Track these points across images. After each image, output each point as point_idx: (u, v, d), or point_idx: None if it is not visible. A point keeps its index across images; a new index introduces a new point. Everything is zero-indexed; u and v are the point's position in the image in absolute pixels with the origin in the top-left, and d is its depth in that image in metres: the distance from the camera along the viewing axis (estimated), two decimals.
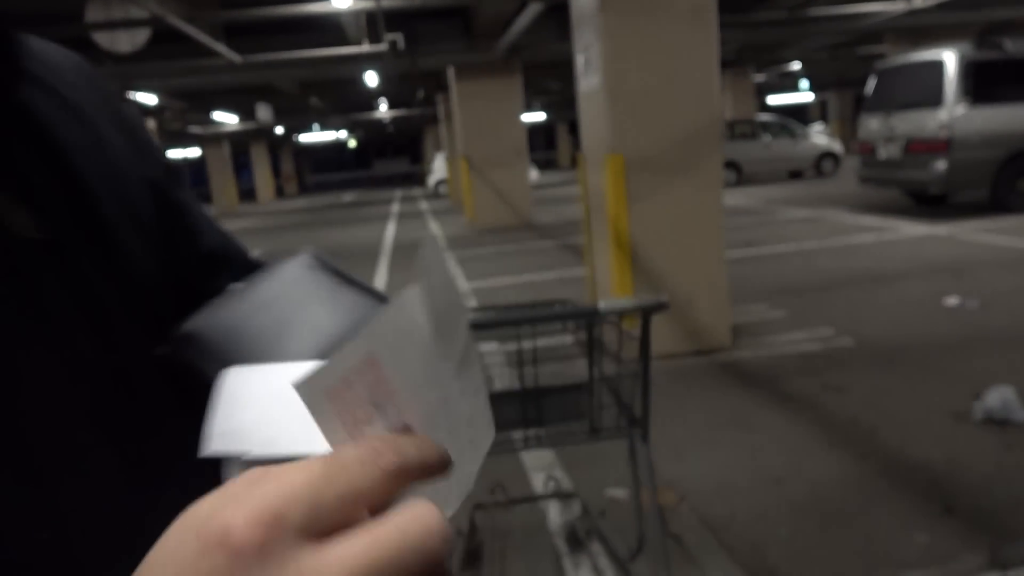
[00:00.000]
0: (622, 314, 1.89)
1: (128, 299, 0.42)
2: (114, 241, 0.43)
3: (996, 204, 8.97)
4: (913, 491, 2.75)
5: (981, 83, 8.68)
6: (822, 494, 2.78)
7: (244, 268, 0.51)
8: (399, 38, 9.85)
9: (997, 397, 3.29)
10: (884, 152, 9.69)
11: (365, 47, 10.35)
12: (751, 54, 18.23)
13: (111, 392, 0.39)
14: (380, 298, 0.45)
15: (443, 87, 15.17)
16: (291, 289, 0.44)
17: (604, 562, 2.40)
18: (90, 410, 0.37)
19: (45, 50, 0.45)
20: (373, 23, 9.41)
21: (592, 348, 1.97)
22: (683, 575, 2.31)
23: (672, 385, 4.01)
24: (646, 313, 1.82)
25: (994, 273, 6.02)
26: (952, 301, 5.20)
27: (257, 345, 0.40)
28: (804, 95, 34.77)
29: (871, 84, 10.26)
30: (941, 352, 4.25)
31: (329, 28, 11.05)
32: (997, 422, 3.21)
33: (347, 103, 23.81)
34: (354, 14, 9.52)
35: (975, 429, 3.21)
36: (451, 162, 18.37)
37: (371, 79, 14.44)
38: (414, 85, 17.71)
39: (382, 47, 9.93)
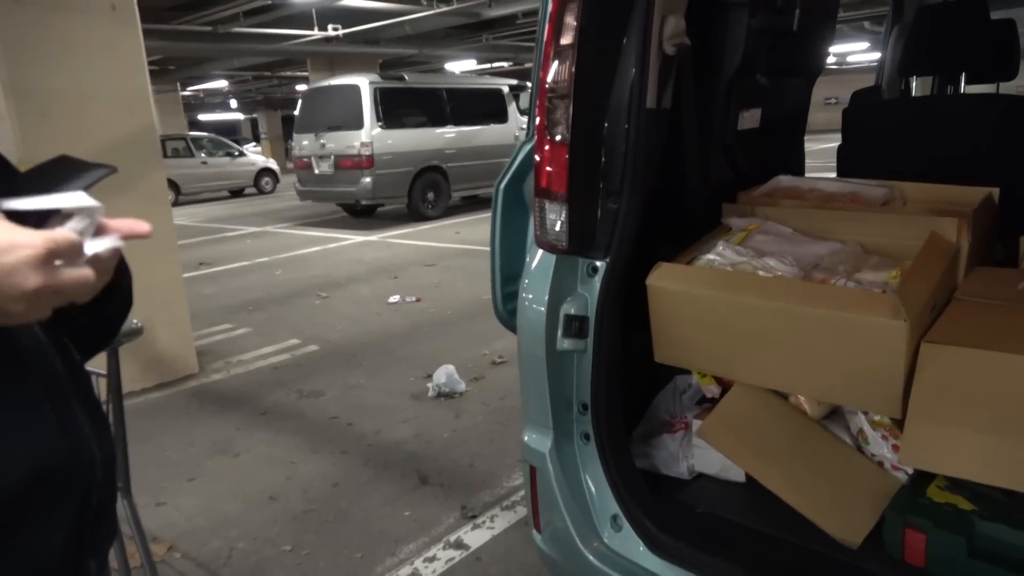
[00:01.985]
0: None
1: None
2: None
3: (413, 213, 10.54)
4: (393, 472, 3.00)
5: (390, 108, 10.08)
6: (316, 497, 2.83)
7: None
8: None
9: (443, 374, 3.84)
10: (318, 169, 10.44)
11: None
12: (177, 68, 17.53)
13: None
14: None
15: None
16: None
17: None
18: None
19: None
20: None
21: None
22: None
23: (141, 425, 3.56)
24: (115, 344, 1.54)
25: (420, 271, 7.05)
26: (394, 299, 5.89)
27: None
28: (234, 114, 35.13)
29: (300, 105, 10.92)
30: (394, 344, 4.76)
31: None
32: (446, 395, 3.76)
33: None
34: None
35: (431, 404, 3.69)
36: None
37: None
38: None
39: None
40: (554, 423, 1.60)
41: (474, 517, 2.60)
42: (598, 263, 1.57)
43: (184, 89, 22.80)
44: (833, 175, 2.04)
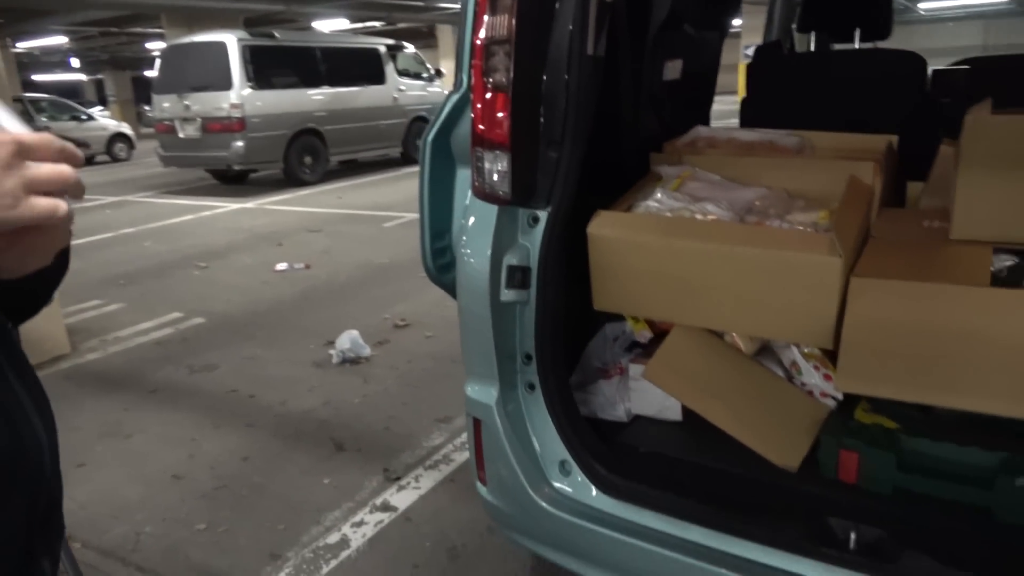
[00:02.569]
0: None
1: None
2: None
3: (290, 178, 10.10)
4: (306, 441, 2.91)
5: (260, 68, 9.53)
6: (225, 472, 2.69)
7: None
8: None
9: (347, 339, 3.74)
10: (183, 132, 9.75)
11: None
12: (7, 21, 15.74)
13: None
14: None
15: None
16: None
17: None
18: None
19: None
20: None
21: None
22: None
23: None
24: None
25: (305, 237, 6.79)
26: (282, 266, 5.65)
27: None
28: (76, 74, 32.11)
29: (160, 64, 10.13)
30: (288, 313, 4.58)
31: None
32: (351, 361, 3.67)
33: None
34: None
35: (336, 371, 3.59)
36: None
37: None
38: None
39: None
40: (499, 374, 1.60)
41: (398, 479, 2.57)
42: (539, 213, 1.57)
43: (14, 45, 20.56)
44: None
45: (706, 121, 2.26)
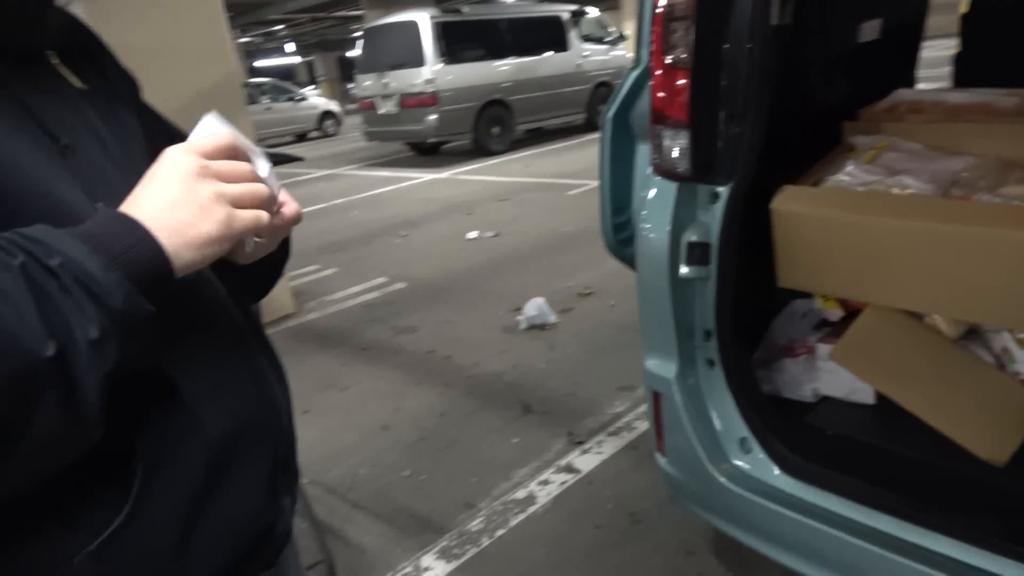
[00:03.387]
0: None
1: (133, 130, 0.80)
2: (122, 103, 0.81)
3: (478, 149, 10.51)
4: (495, 402, 3.11)
5: (450, 43, 9.94)
6: (426, 426, 2.96)
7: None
8: None
9: (533, 307, 3.90)
10: (383, 108, 10.46)
11: None
12: (236, 14, 17.61)
13: (126, 160, 0.74)
14: None
15: None
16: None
17: None
18: (116, 160, 0.73)
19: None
20: None
21: None
22: (335, 550, 2.22)
23: None
24: None
25: (493, 206, 7.07)
26: (473, 234, 5.95)
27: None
28: (291, 58, 35.24)
29: (362, 45, 10.88)
30: (479, 279, 4.85)
31: None
32: (538, 327, 3.82)
33: None
34: None
35: (524, 336, 3.77)
36: None
37: None
38: None
39: None
40: (679, 349, 1.63)
41: (581, 443, 2.69)
42: (719, 189, 1.56)
43: (241, 36, 22.95)
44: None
45: (910, 83, 2.08)
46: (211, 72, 4.05)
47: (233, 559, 0.73)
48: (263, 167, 0.67)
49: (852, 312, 1.65)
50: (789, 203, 1.55)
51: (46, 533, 0.61)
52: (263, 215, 0.64)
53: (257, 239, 0.70)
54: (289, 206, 0.73)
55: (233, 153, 0.65)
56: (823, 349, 1.63)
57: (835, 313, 1.70)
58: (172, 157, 0.62)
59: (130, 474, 0.63)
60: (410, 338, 3.97)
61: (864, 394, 1.58)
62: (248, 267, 0.76)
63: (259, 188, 0.65)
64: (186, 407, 0.67)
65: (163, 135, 0.82)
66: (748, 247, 1.64)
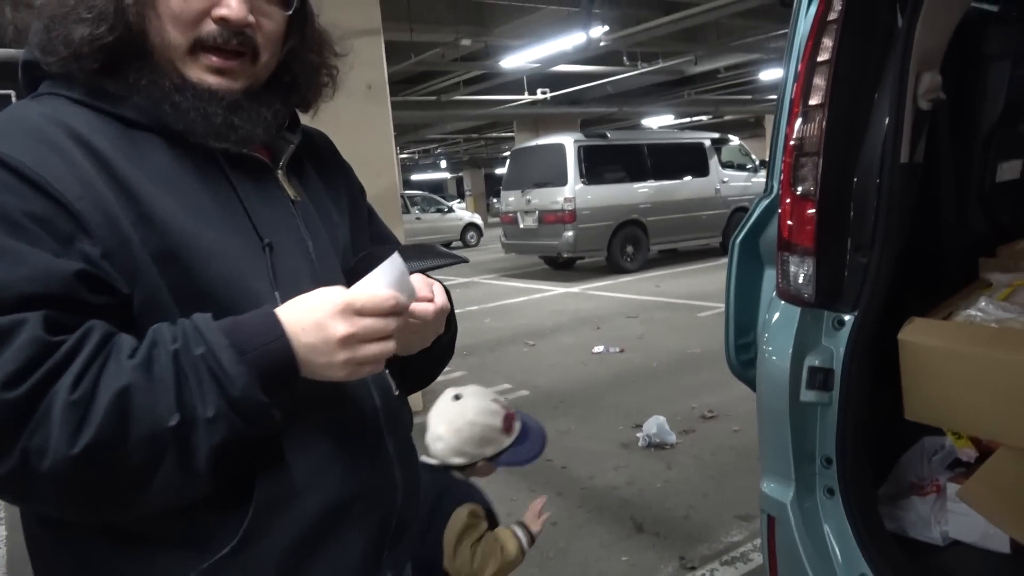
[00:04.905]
0: None
1: (334, 235, 0.94)
2: (337, 212, 0.97)
3: (612, 265, 10.71)
4: (607, 517, 3.08)
5: (592, 165, 10.42)
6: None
7: (391, 241, 1.07)
8: None
9: (653, 424, 3.88)
10: (523, 223, 10.98)
11: None
12: (398, 133, 19.35)
13: (322, 263, 0.88)
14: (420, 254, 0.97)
15: None
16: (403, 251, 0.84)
17: None
18: (313, 264, 0.87)
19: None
20: None
21: None
22: None
23: None
24: None
25: (622, 322, 7.14)
26: (599, 348, 6.02)
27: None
28: (442, 173, 37.83)
29: (508, 163, 11.61)
30: (601, 392, 4.87)
31: None
32: (656, 446, 3.78)
33: None
34: None
35: (642, 454, 3.73)
36: None
37: None
38: None
39: None
40: (796, 475, 1.61)
41: (693, 568, 2.60)
42: (845, 316, 1.58)
43: (402, 152, 25.02)
44: None
45: None
46: (379, 184, 4.50)
47: None
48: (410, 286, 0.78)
49: (987, 453, 1.57)
50: (918, 335, 1.54)
51: (173, 547, 0.76)
52: (389, 348, 0.73)
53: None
54: (424, 306, 0.81)
55: (393, 306, 0.73)
56: (954, 489, 1.56)
57: (968, 453, 1.63)
58: (332, 296, 0.72)
59: (244, 514, 0.75)
60: None
61: (998, 541, 1.49)
62: (403, 360, 0.86)
63: (389, 326, 0.73)
64: (291, 473, 0.78)
65: (376, 237, 1.04)
66: (874, 376, 1.63)
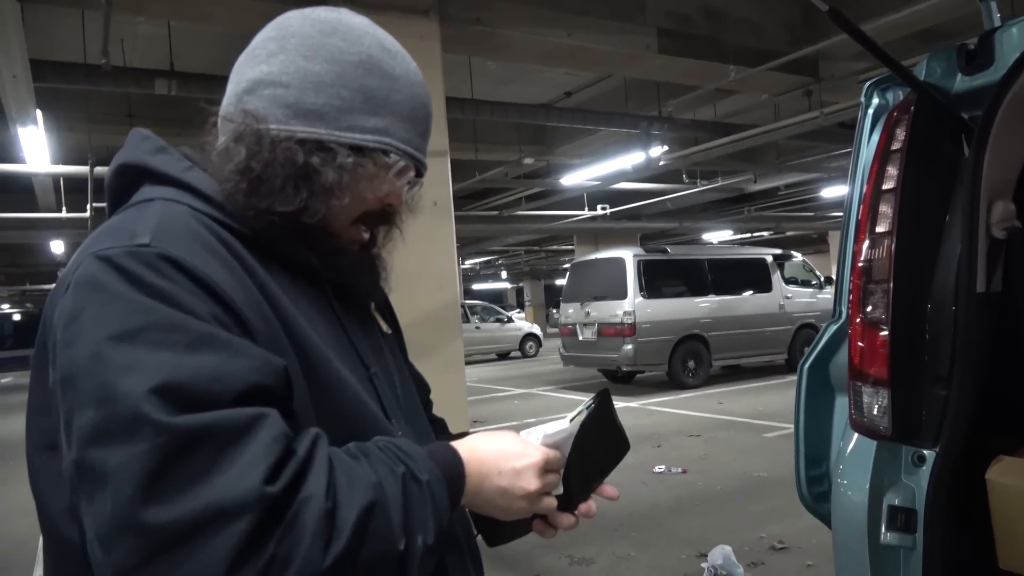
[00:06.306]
0: None
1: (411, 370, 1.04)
2: (403, 349, 1.04)
3: (673, 381, 10.49)
4: None
5: (652, 279, 10.43)
6: None
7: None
8: None
9: (719, 555, 3.65)
10: (582, 335, 10.94)
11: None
12: (461, 245, 19.90)
13: (404, 393, 0.93)
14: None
15: None
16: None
17: None
18: (398, 393, 0.92)
19: None
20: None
21: None
22: None
23: None
24: None
25: (683, 441, 6.90)
26: (660, 468, 5.81)
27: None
28: (502, 283, 38.45)
29: (568, 276, 11.73)
30: (662, 516, 4.65)
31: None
32: None
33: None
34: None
35: None
36: None
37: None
38: None
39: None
40: None
41: None
42: (925, 452, 1.49)
43: (464, 263, 25.66)
44: None
45: None
46: (442, 295, 4.61)
47: None
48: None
49: None
50: (1007, 475, 1.44)
51: None
52: (552, 505, 0.83)
53: None
54: (590, 507, 0.89)
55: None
56: None
57: None
58: (531, 450, 0.81)
59: None
60: (584, 570, 3.84)
61: None
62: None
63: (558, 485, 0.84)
64: None
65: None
66: (963, 518, 1.51)
